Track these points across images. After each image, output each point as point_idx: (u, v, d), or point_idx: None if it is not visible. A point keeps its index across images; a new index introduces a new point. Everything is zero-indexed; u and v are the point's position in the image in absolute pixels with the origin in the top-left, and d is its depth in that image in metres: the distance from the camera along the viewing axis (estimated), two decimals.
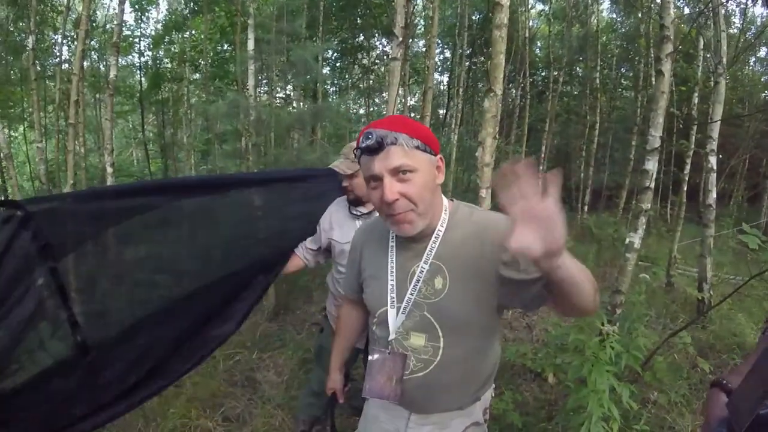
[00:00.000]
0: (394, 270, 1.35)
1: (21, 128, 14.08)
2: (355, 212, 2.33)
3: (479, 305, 1.27)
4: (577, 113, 13.58)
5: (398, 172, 1.17)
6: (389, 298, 1.35)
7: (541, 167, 11.20)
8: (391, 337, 1.34)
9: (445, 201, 1.36)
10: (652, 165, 3.49)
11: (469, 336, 1.32)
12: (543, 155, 11.37)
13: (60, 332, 1.74)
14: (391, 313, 1.34)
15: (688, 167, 7.11)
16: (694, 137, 7.53)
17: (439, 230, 1.31)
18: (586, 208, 12.10)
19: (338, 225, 2.35)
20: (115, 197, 2.04)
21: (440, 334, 1.29)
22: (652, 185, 3.50)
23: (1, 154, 7.38)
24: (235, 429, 3.02)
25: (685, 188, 7.08)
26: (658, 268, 5.78)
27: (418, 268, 1.30)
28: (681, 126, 10.42)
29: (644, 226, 3.54)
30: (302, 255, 2.44)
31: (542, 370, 3.32)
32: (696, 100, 8.01)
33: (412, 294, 1.31)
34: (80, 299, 1.82)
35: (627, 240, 3.55)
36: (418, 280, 1.30)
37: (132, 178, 13.78)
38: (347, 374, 1.82)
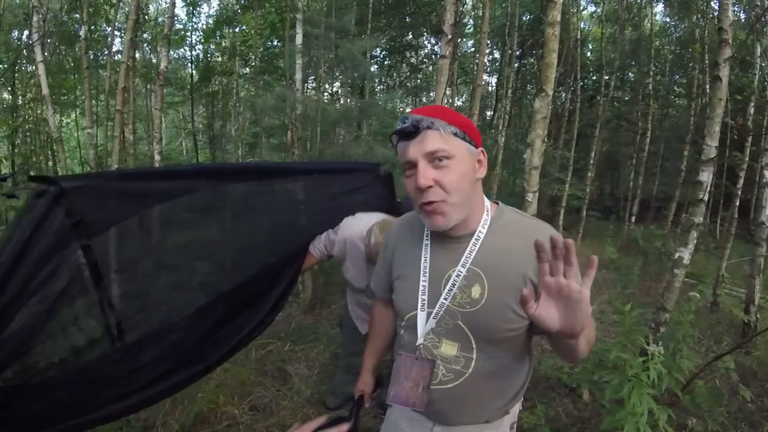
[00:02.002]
0: (427, 270, 1.27)
1: (73, 115, 14.60)
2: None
3: (517, 320, 1.18)
4: (628, 120, 13.16)
5: (434, 158, 1.12)
6: (420, 300, 1.26)
7: (589, 173, 10.95)
8: (419, 342, 1.26)
9: (487, 202, 1.28)
10: (706, 176, 3.29)
11: (505, 349, 1.24)
12: (592, 161, 11.05)
13: (94, 311, 1.73)
14: (421, 316, 1.26)
15: (741, 181, 6.79)
16: (748, 149, 7.19)
17: (480, 232, 1.23)
18: (633, 218, 11.76)
19: (352, 264, 2.28)
20: (159, 178, 2.04)
21: (474, 345, 1.22)
22: (706, 198, 3.33)
23: (52, 138, 7.68)
24: (261, 419, 3.03)
25: (737, 203, 6.75)
26: (705, 285, 5.54)
27: (455, 273, 1.22)
28: (735, 137, 10.00)
29: (695, 241, 3.37)
30: (319, 254, 2.44)
31: (577, 385, 3.22)
32: (752, 111, 7.61)
33: (445, 299, 1.22)
34: (117, 280, 1.81)
35: (676, 255, 3.38)
36: (453, 285, 1.21)
37: None
38: (378, 377, 1.76)
